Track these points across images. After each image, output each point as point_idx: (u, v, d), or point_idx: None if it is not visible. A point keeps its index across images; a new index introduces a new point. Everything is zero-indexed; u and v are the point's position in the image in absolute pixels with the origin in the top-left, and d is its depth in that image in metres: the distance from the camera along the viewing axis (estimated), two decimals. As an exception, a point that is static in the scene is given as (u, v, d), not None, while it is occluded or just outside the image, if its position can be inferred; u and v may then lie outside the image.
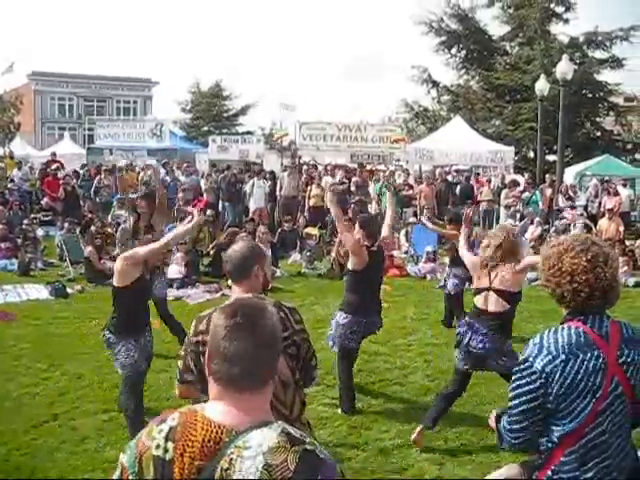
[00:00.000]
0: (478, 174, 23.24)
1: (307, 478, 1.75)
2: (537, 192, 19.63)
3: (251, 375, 1.91)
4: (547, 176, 21.78)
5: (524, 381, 2.77)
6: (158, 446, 1.90)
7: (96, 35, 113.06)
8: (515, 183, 20.09)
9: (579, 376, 2.69)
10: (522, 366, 2.80)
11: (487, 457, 5.80)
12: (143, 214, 8.66)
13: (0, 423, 6.41)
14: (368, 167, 23.25)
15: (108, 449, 5.87)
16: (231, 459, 1.78)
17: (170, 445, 1.88)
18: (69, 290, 12.30)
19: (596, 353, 2.72)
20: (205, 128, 46.68)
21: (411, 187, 20.68)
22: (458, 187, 21.38)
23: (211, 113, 48.46)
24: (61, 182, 20.04)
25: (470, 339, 5.84)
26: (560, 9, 33.91)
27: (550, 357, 2.72)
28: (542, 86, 22.49)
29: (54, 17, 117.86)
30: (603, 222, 16.94)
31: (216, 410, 1.93)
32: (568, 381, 2.69)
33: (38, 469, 5.50)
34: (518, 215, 19.08)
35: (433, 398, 7.27)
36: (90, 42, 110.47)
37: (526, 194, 19.41)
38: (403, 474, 5.54)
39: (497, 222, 19.84)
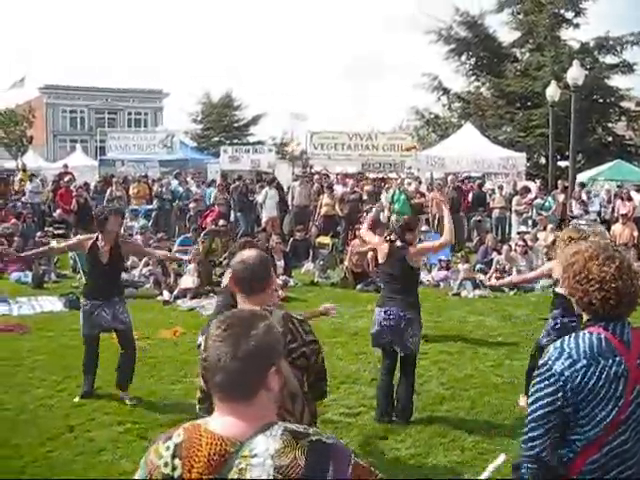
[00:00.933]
0: (481, 184, 22.89)
1: (319, 468, 1.79)
2: (549, 198, 19.54)
3: (235, 385, 1.90)
4: (559, 182, 21.70)
5: (543, 384, 2.74)
6: (166, 464, 1.90)
7: (106, 48, 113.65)
8: (526, 190, 20.01)
9: (600, 382, 2.66)
10: (541, 369, 2.77)
11: (504, 466, 5.75)
12: (109, 233, 7.36)
13: (16, 436, 6.39)
14: (380, 175, 23.27)
15: (124, 461, 5.84)
16: (240, 469, 1.81)
17: (177, 462, 1.89)
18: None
19: (618, 359, 2.70)
20: (216, 139, 46.77)
21: (423, 195, 20.61)
22: (470, 194, 21.30)
23: (222, 123, 48.57)
24: (74, 194, 20.13)
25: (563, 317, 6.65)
26: (570, 14, 33.86)
27: (570, 361, 2.69)
28: (553, 92, 22.43)
29: (65, 31, 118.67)
30: (617, 227, 16.87)
31: (218, 422, 1.93)
32: (589, 387, 2.66)
33: (54, 482, 5.50)
34: (530, 222, 19.02)
35: (448, 407, 7.25)
36: (101, 55, 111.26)
37: (538, 200, 19.31)
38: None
39: (509, 229, 19.80)
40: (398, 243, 6.88)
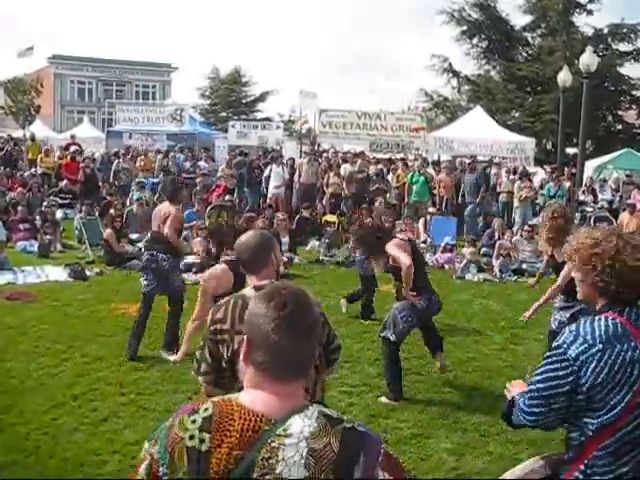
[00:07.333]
0: (486, 168, 22.20)
1: (351, 456, 1.76)
2: (551, 184, 19.32)
3: (297, 366, 1.89)
4: (566, 169, 21.58)
5: (554, 366, 2.73)
6: (192, 437, 1.83)
7: (116, 19, 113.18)
8: (525, 174, 19.76)
9: (616, 367, 2.65)
10: (555, 351, 2.76)
11: (506, 449, 5.78)
12: None
13: (21, 402, 6.46)
14: (387, 156, 23.17)
15: (127, 431, 5.88)
16: (272, 447, 1.76)
17: (206, 436, 1.82)
18: (88, 272, 12.34)
19: (633, 344, 2.69)
20: (223, 114, 46.70)
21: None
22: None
23: (229, 99, 48.45)
24: (81, 165, 20.08)
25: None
26: (584, 0, 33.61)
27: (586, 345, 2.68)
28: (565, 77, 22.24)
29: (76, 1, 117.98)
30: (624, 216, 16.61)
31: (253, 398, 1.87)
32: (605, 372, 2.65)
33: (58, 449, 5.53)
34: (537, 208, 18.87)
35: (451, 389, 7.27)
36: (110, 26, 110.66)
37: (551, 185, 19.04)
38: (421, 464, 5.51)
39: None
40: None
